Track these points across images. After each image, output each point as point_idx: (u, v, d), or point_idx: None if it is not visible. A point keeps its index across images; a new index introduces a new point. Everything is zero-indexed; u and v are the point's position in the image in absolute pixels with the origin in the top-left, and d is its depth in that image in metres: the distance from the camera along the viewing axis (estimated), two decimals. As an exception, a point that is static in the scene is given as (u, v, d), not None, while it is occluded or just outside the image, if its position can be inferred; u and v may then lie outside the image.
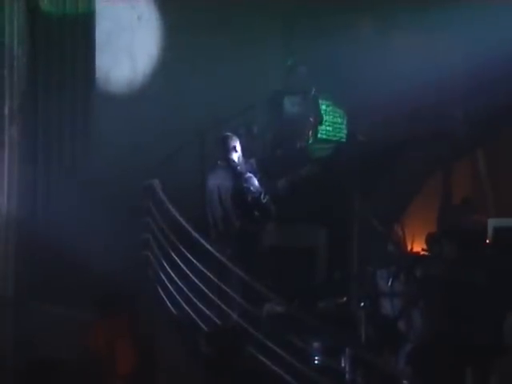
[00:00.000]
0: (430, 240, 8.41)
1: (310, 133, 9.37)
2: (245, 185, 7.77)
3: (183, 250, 7.62)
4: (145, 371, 6.79)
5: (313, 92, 9.38)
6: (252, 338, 6.83)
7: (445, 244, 7.89)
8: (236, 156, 7.88)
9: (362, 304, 7.54)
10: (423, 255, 8.39)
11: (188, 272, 7.50)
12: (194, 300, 7.44)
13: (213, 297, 7.33)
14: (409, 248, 9.07)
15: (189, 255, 7.54)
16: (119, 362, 6.73)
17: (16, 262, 8.39)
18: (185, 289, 7.54)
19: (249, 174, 7.82)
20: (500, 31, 9.20)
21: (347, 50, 9.91)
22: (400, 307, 7.76)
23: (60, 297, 8.01)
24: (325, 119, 9.77)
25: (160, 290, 7.89)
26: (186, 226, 7.67)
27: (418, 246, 8.90)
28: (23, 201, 8.44)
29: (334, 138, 10.00)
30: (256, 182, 7.79)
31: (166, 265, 7.85)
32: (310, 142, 9.39)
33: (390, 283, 7.91)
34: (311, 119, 9.36)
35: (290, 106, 9.26)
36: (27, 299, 8.27)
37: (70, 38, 8.66)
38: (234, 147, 7.88)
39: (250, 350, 6.74)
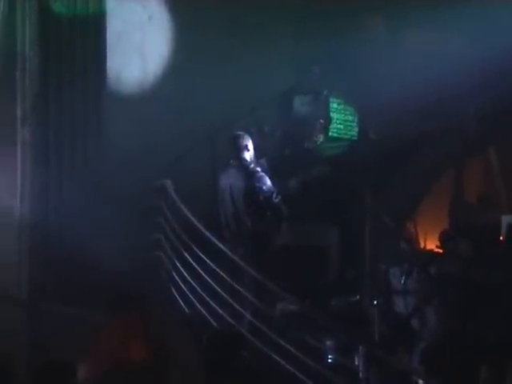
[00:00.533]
0: (444, 237, 8.38)
1: (319, 134, 9.33)
2: (257, 184, 7.75)
3: (195, 249, 7.61)
4: (158, 371, 6.79)
5: (324, 93, 9.34)
6: (265, 338, 6.83)
7: (459, 241, 7.87)
8: (248, 155, 7.86)
9: (375, 302, 7.52)
10: (436, 253, 8.37)
11: (200, 271, 7.50)
12: (207, 299, 7.44)
13: (225, 296, 7.32)
14: (421, 245, 9.05)
15: (201, 255, 7.54)
16: (132, 363, 6.72)
17: (29, 263, 8.39)
18: (198, 288, 7.53)
19: (261, 173, 7.80)
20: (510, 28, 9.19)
21: (358, 49, 9.89)
22: (413, 305, 7.74)
23: (73, 298, 8.01)
24: (336, 117, 9.75)
25: (173, 289, 7.89)
26: (198, 225, 7.66)
27: (431, 244, 8.89)
28: (36, 202, 8.44)
29: (346, 137, 9.96)
30: (268, 182, 7.76)
31: (178, 264, 7.85)
32: (319, 142, 9.37)
33: (402, 281, 7.90)
34: (321, 120, 9.32)
35: (300, 105, 9.24)
36: (40, 301, 8.27)
37: (80, 39, 8.64)
38: (246, 146, 7.86)
39: (263, 350, 6.75)
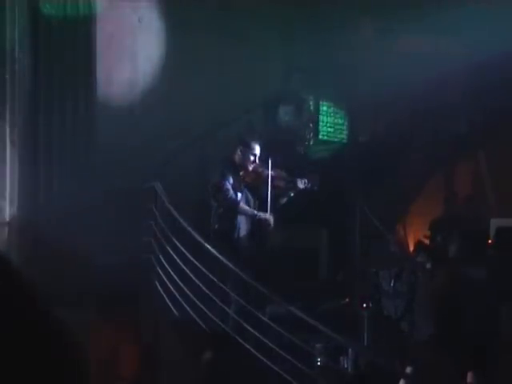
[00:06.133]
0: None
1: (309, 138, 9.29)
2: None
3: (185, 252, 7.60)
4: (147, 373, 6.77)
5: (310, 101, 9.27)
6: (254, 340, 6.82)
7: (448, 243, 7.88)
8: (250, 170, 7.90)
9: (365, 305, 7.51)
10: (425, 255, 8.38)
11: (190, 274, 7.49)
12: (197, 301, 7.42)
13: (215, 299, 7.31)
14: (411, 248, 9.06)
15: (190, 257, 7.52)
16: (121, 364, 6.71)
17: (18, 263, 8.34)
18: (187, 291, 7.52)
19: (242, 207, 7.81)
20: (502, 31, 9.19)
21: (349, 52, 9.89)
22: (402, 307, 7.74)
23: (62, 298, 7.96)
24: (326, 120, 9.74)
25: (162, 292, 7.87)
26: (188, 227, 7.65)
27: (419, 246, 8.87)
28: (25, 203, 8.41)
29: (336, 140, 9.96)
30: (248, 211, 7.78)
31: (167, 267, 7.83)
32: (307, 149, 9.35)
33: (392, 283, 7.91)
34: (310, 125, 9.27)
35: (284, 115, 9.18)
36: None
37: (71, 41, 8.62)
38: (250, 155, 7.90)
39: (253, 352, 6.74)
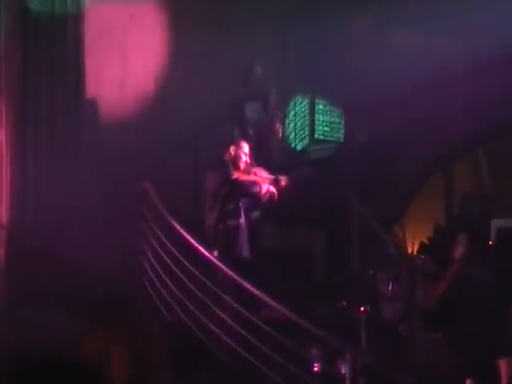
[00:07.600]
0: (434, 241, 8.41)
1: (276, 137, 9.18)
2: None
3: (177, 254, 7.51)
4: (141, 378, 6.70)
5: (273, 95, 9.15)
6: (249, 346, 6.71)
7: (450, 244, 7.82)
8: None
9: (362, 308, 7.46)
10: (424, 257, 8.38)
11: (182, 277, 7.40)
12: (190, 306, 7.33)
13: (208, 302, 7.22)
14: (409, 250, 9.06)
15: (183, 260, 7.43)
16: (114, 369, 6.63)
17: (7, 268, 8.28)
18: (179, 294, 7.43)
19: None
20: (499, 26, 9.14)
21: (346, 49, 9.83)
22: (401, 310, 7.71)
23: (53, 304, 7.89)
24: (322, 119, 9.69)
25: (154, 295, 7.78)
26: (180, 229, 7.55)
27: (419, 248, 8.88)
28: (13, 205, 8.32)
29: (332, 139, 9.92)
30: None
31: (159, 270, 7.74)
32: (286, 136, 9.29)
33: (390, 286, 7.89)
34: (275, 124, 9.14)
35: (251, 112, 9.08)
36: (19, 308, 8.13)
37: (59, 39, 8.58)
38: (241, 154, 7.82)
39: (248, 357, 6.64)
